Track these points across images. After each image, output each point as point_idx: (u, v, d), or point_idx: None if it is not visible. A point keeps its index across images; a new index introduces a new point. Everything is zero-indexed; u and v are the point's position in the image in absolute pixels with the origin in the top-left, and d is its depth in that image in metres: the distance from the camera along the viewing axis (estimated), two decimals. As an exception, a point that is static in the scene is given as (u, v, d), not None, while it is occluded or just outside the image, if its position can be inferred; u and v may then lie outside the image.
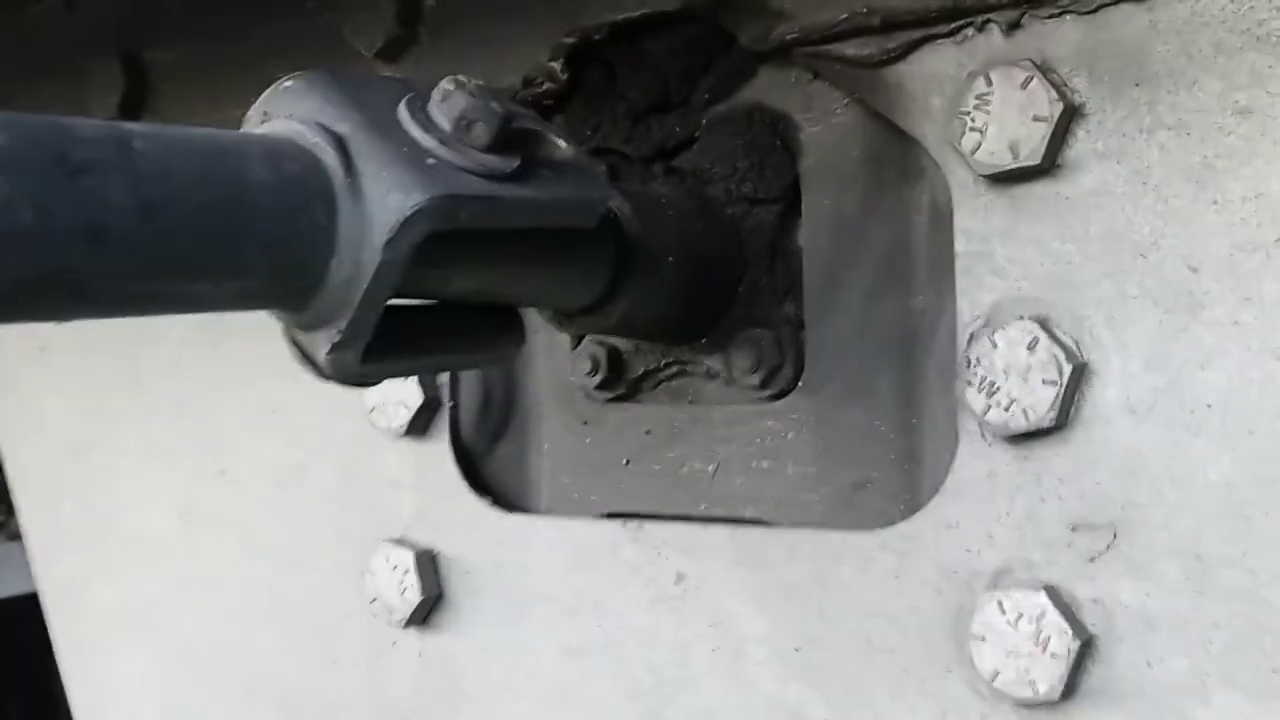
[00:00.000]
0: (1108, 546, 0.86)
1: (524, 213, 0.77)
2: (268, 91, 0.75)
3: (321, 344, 0.72)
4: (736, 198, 1.04)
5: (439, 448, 1.22)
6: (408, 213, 0.69)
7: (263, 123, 0.75)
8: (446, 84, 0.77)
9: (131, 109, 1.41)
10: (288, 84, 0.75)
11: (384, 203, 0.69)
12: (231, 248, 0.64)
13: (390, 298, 0.71)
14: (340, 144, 0.71)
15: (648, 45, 1.08)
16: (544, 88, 1.12)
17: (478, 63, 1.16)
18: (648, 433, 1.12)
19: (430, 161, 0.73)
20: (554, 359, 1.17)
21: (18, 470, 1.62)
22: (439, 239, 0.71)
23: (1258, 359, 0.80)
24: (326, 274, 0.69)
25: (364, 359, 0.73)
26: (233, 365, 1.39)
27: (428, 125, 0.75)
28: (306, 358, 0.74)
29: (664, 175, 1.08)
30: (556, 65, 1.11)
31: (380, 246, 0.69)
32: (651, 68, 1.08)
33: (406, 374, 0.93)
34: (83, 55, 1.45)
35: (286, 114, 0.74)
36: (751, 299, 1.04)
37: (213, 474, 1.39)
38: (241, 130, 0.75)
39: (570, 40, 1.09)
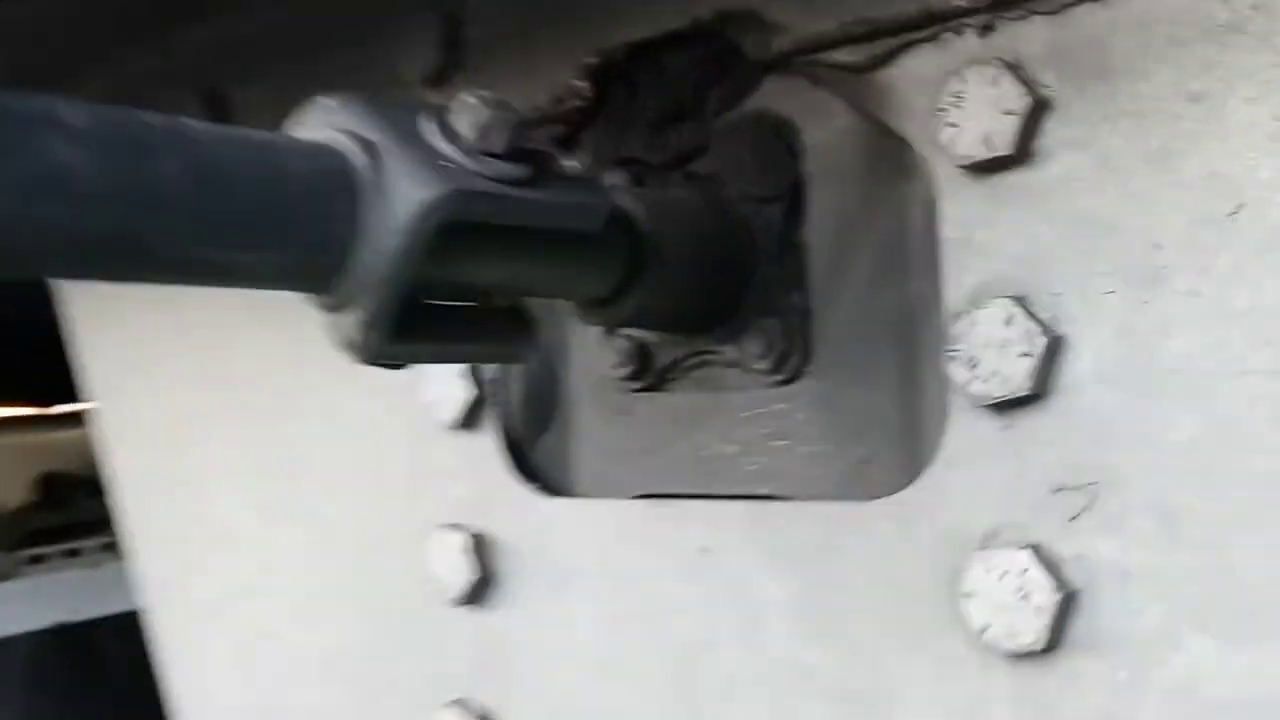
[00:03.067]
0: (1086, 506, 0.92)
1: (531, 212, 0.87)
2: (307, 106, 0.86)
3: (351, 324, 0.82)
4: (746, 197, 1.13)
5: (489, 439, 1.32)
6: (425, 202, 0.79)
7: (297, 131, 0.86)
8: (466, 97, 0.87)
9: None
10: (325, 101, 0.86)
11: (404, 195, 0.79)
12: (270, 222, 0.74)
13: (411, 281, 0.81)
14: (368, 147, 0.82)
15: (664, 62, 1.18)
16: (573, 104, 1.22)
17: (513, 84, 1.26)
18: (674, 419, 1.20)
19: (448, 164, 0.84)
20: (588, 355, 1.26)
21: (120, 474, 1.77)
22: (458, 234, 0.81)
23: (1215, 325, 0.86)
24: (355, 254, 0.79)
25: (390, 341, 0.83)
26: (305, 375, 1.51)
27: (448, 134, 0.86)
28: (343, 340, 0.84)
29: (682, 180, 1.17)
30: (583, 84, 1.20)
31: (399, 232, 0.79)
32: (667, 82, 1.18)
33: (430, 360, 1.03)
34: (170, 93, 1.60)
35: (318, 124, 0.85)
36: (763, 290, 1.12)
37: (286, 472, 1.52)
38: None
39: (594, 61, 1.19)
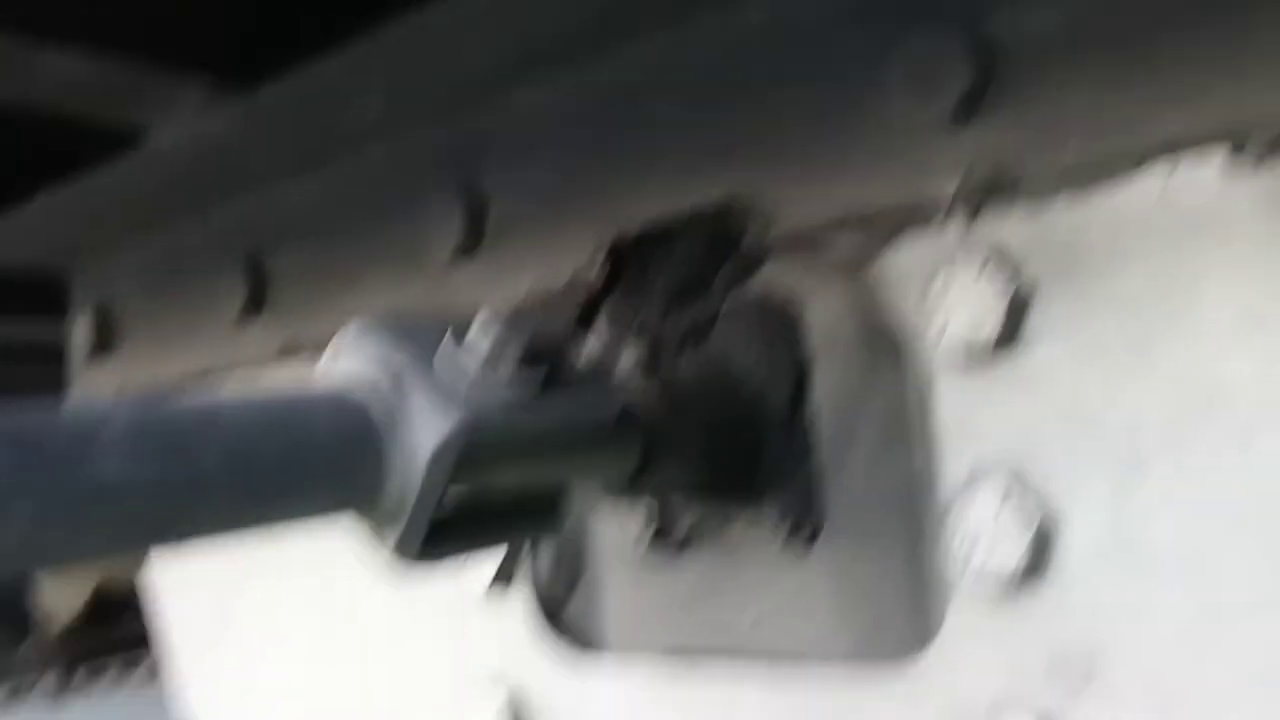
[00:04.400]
0: (1085, 681, 0.96)
1: (545, 422, 0.94)
2: (338, 334, 0.93)
3: (387, 540, 0.89)
4: (755, 374, 1.19)
5: (520, 602, 1.37)
6: (445, 435, 0.86)
7: (334, 360, 0.93)
8: (482, 318, 0.94)
9: (253, 309, 1.64)
10: (352, 329, 0.93)
11: (425, 430, 0.86)
12: (303, 485, 0.81)
13: (438, 502, 0.87)
14: (392, 378, 0.88)
15: (674, 242, 1.25)
16: (590, 280, 1.29)
17: (535, 260, 1.34)
18: (697, 580, 1.25)
19: (464, 388, 0.90)
20: (614, 520, 1.32)
21: (173, 625, 1.84)
22: (476, 447, 0.88)
23: (1197, 509, 0.90)
24: (385, 489, 0.86)
25: (424, 548, 0.90)
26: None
27: (466, 354, 0.92)
28: (378, 552, 0.90)
29: (693, 354, 1.23)
30: (599, 261, 1.28)
31: (423, 466, 0.85)
32: (678, 262, 1.24)
33: (465, 555, 1.09)
34: (212, 264, 1.69)
35: (350, 355, 0.92)
36: (774, 462, 1.18)
37: (334, 629, 1.58)
38: (318, 371, 0.93)
39: (609, 239, 1.26)
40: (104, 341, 1.95)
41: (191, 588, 1.83)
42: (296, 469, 0.80)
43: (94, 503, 0.70)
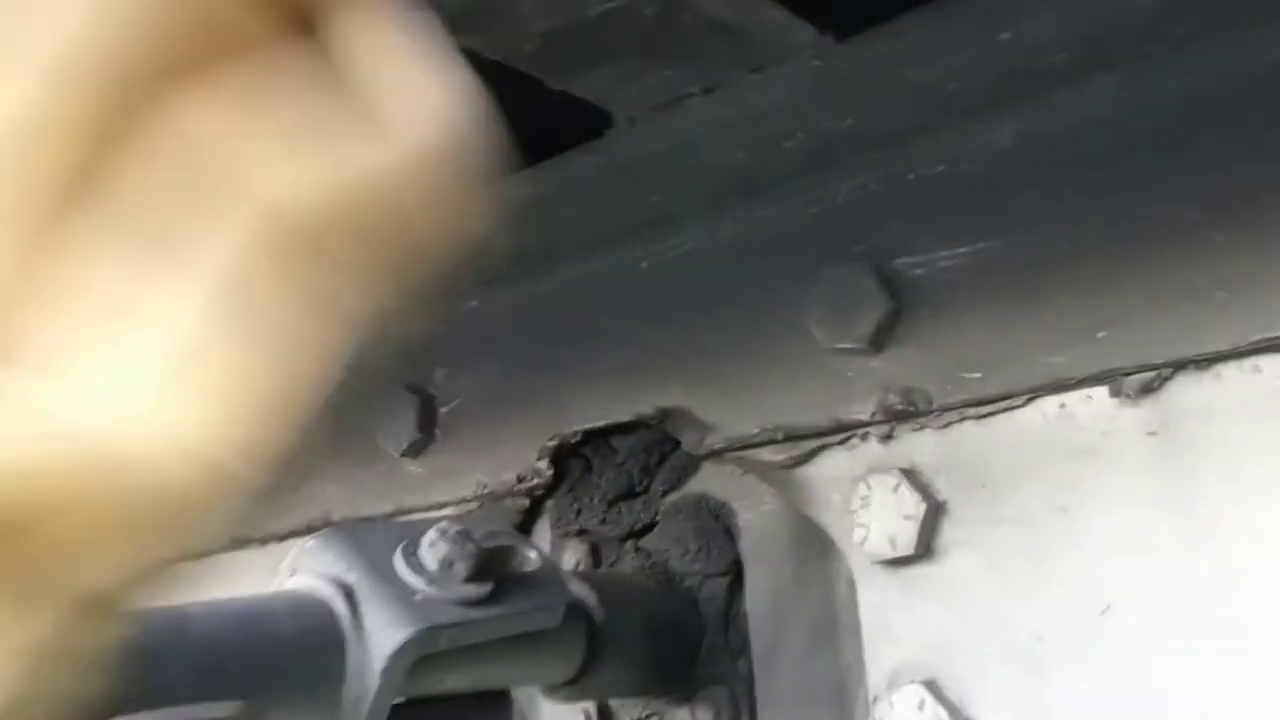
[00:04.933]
0: None
1: (494, 628, 0.99)
2: (295, 550, 0.99)
3: (343, 741, 0.94)
4: (692, 572, 1.26)
5: (464, 790, 1.40)
6: (398, 645, 0.91)
7: (292, 575, 0.99)
8: (433, 533, 1.00)
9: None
10: (310, 543, 1.00)
11: (380, 637, 0.92)
12: (269, 689, 0.86)
13: (392, 705, 0.92)
14: (348, 592, 0.94)
15: (615, 445, 1.33)
16: (534, 481, 1.36)
17: (483, 459, 1.41)
18: (634, 776, 1.29)
19: (417, 598, 0.96)
20: (554, 714, 1.36)
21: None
22: (430, 655, 0.94)
23: (1095, 712, 0.97)
24: (341, 695, 0.91)
25: None
26: None
27: (417, 568, 0.98)
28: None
29: (634, 553, 1.30)
30: (543, 464, 1.35)
31: (379, 672, 0.91)
32: (618, 464, 1.32)
33: (418, 752, 1.13)
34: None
35: (308, 568, 0.98)
36: (711, 657, 1.24)
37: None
38: (275, 583, 0.99)
39: (553, 443, 1.34)
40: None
41: None
42: (263, 673, 0.85)
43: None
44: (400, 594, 0.96)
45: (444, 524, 1.02)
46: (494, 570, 1.02)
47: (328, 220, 0.31)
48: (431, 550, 0.99)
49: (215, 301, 0.30)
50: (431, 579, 0.98)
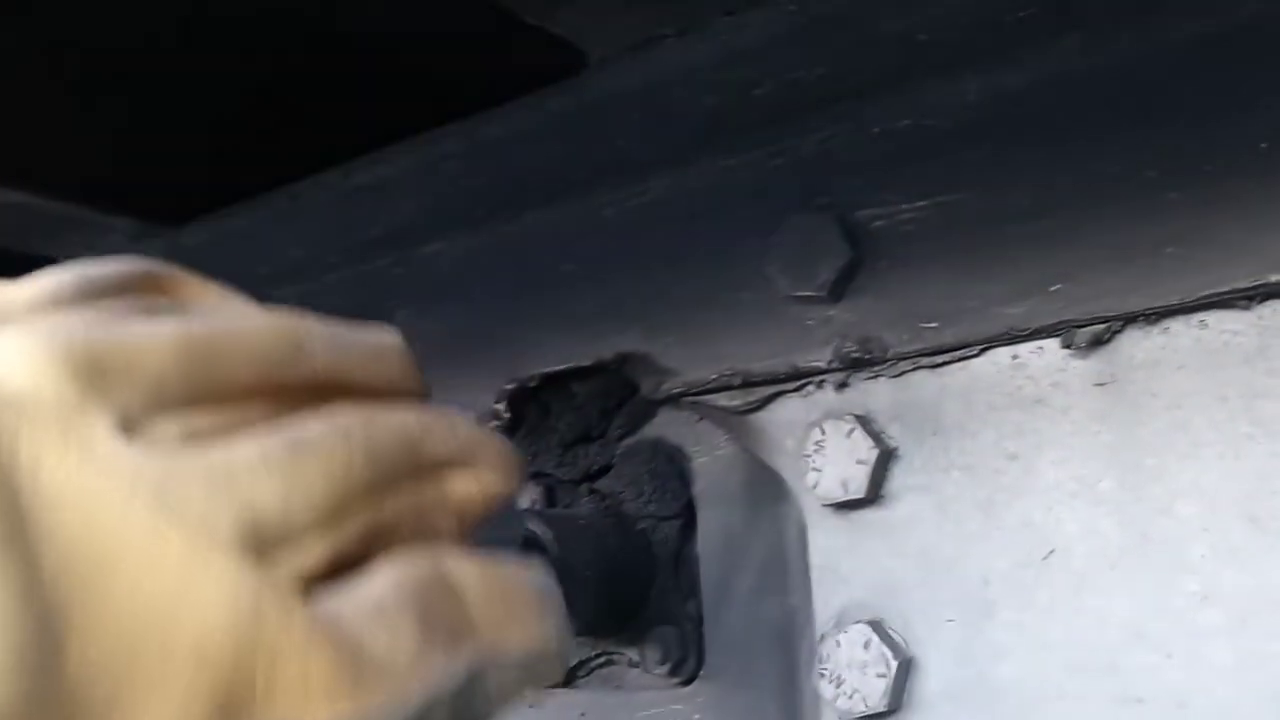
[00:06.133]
0: (939, 812, 1.04)
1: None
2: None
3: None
4: (645, 515, 1.27)
5: (410, 729, 1.41)
6: None
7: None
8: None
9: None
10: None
11: None
12: None
13: None
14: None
15: (574, 389, 1.34)
16: (491, 424, 1.37)
17: (441, 402, 1.41)
18: (582, 714, 1.31)
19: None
20: (504, 650, 1.37)
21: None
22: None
23: (1036, 653, 1.01)
24: None
25: None
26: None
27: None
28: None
29: (589, 495, 1.32)
30: (501, 406, 1.36)
31: None
32: (576, 407, 1.33)
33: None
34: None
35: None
36: (661, 599, 1.26)
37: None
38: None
39: (510, 387, 1.35)
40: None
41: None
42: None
43: None
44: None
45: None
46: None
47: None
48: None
49: None
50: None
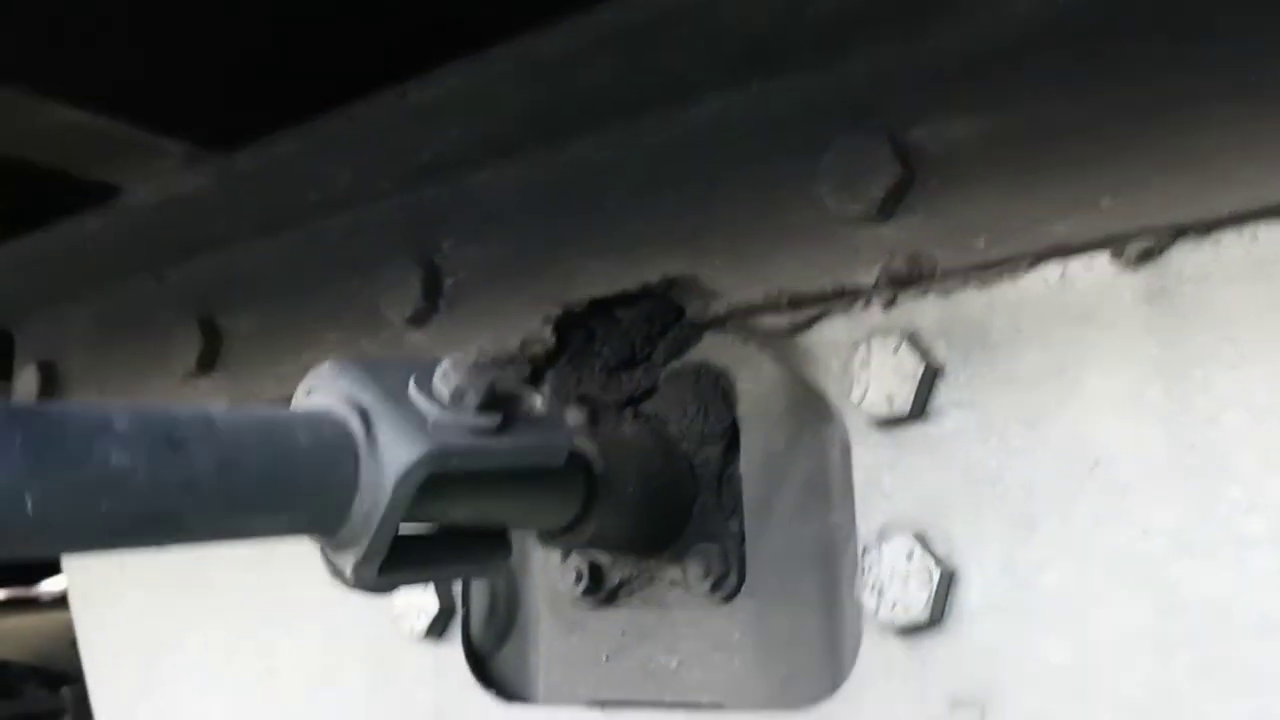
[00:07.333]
0: (979, 720, 1.05)
1: (501, 457, 1.02)
2: (311, 372, 1.01)
3: (348, 561, 0.96)
4: (689, 436, 1.29)
5: (453, 649, 1.43)
6: (412, 460, 0.94)
7: (307, 395, 1.01)
8: (446, 362, 1.02)
9: (206, 365, 1.70)
10: (325, 367, 1.02)
11: (394, 453, 0.94)
12: (284, 493, 0.88)
13: (400, 524, 0.95)
14: (363, 413, 0.96)
15: (619, 314, 1.35)
16: (538, 348, 1.38)
17: (486, 328, 1.43)
18: (623, 633, 1.33)
19: (430, 422, 0.99)
20: (547, 572, 1.39)
21: (97, 677, 1.85)
22: (437, 479, 0.96)
23: (1080, 563, 1.01)
24: (352, 509, 0.94)
25: (381, 572, 0.97)
26: (279, 579, 1.63)
27: (430, 395, 1.01)
28: (337, 572, 0.97)
29: (632, 418, 1.33)
30: (547, 331, 1.37)
31: (391, 487, 0.93)
32: (621, 332, 1.35)
33: (415, 583, 1.16)
34: (166, 319, 1.76)
35: (324, 390, 1.00)
36: (703, 518, 1.27)
37: (260, 675, 1.61)
38: (292, 405, 1.01)
39: (557, 311, 1.37)
40: (47, 396, 1.98)
41: (117, 648, 1.85)
42: (281, 473, 0.88)
43: (98, 491, 0.77)
44: (414, 416, 0.98)
45: (457, 355, 1.04)
46: (502, 407, 1.04)
47: None
48: (444, 380, 1.01)
49: None
50: (444, 406, 1.00)
